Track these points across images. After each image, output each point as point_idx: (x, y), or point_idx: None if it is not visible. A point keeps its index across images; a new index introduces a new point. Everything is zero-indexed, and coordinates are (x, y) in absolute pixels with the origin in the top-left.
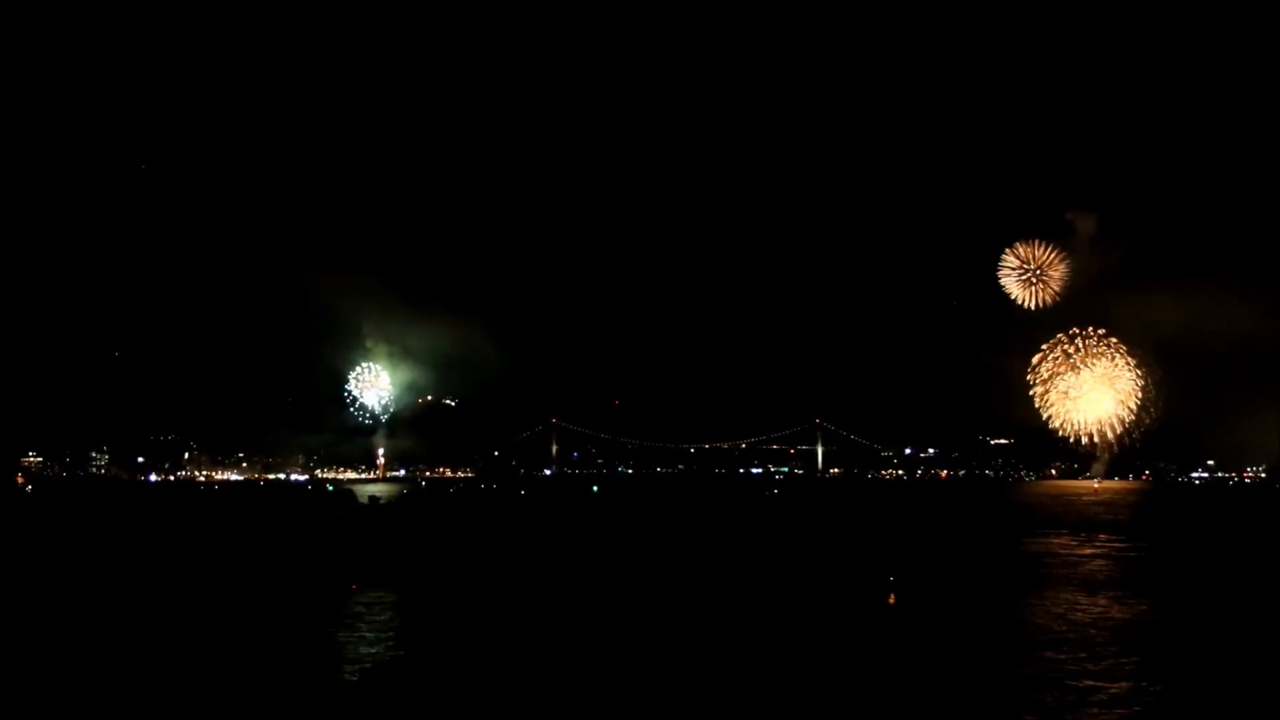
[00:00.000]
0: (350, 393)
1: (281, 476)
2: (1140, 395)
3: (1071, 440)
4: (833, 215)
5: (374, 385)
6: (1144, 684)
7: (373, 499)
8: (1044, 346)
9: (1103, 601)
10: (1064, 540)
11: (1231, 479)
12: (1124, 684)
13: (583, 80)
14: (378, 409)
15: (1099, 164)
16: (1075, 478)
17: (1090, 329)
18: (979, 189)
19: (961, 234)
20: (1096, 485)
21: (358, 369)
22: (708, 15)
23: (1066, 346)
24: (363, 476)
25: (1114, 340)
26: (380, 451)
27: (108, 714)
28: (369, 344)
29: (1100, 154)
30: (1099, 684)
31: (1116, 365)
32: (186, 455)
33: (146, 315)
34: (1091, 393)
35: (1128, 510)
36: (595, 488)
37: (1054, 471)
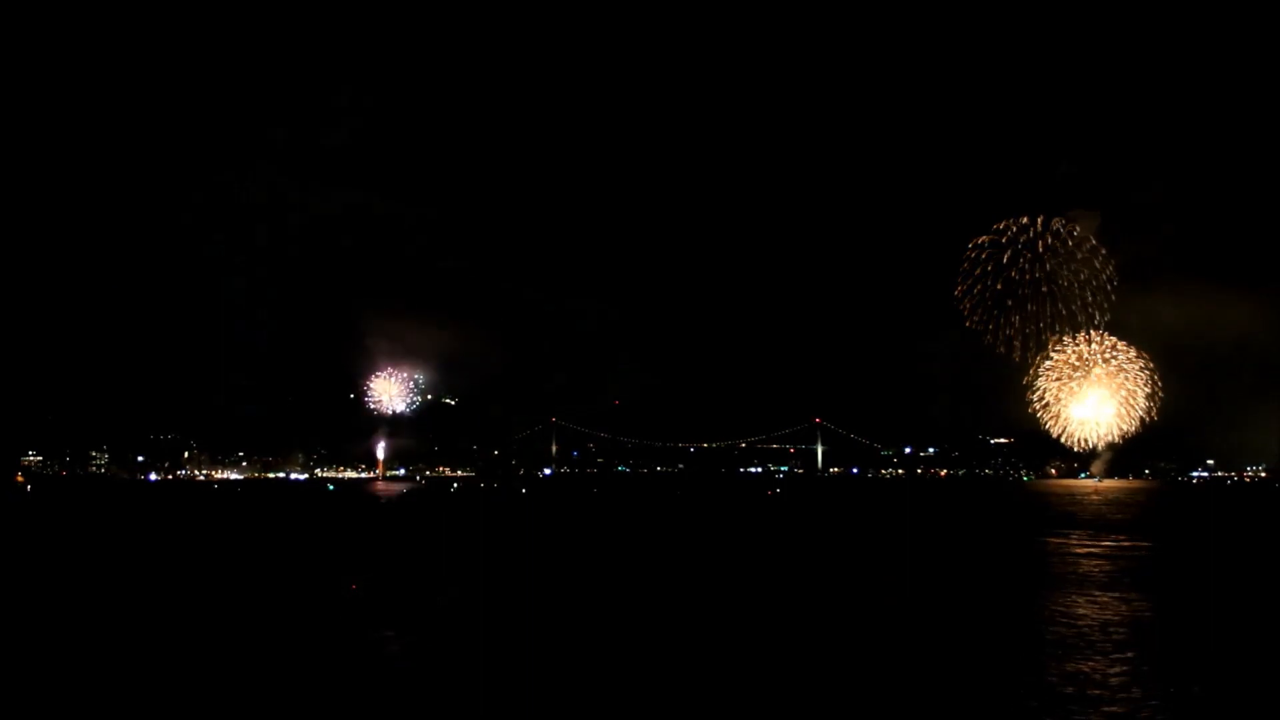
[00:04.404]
0: (368, 392)
1: (281, 475)
2: (1141, 396)
3: (1071, 442)
4: (833, 217)
5: (398, 388)
6: (1156, 685)
7: (372, 497)
8: (1045, 347)
9: (1115, 601)
10: (1076, 539)
11: (1231, 479)
12: (1136, 685)
13: (583, 84)
14: (395, 410)
15: (1101, 162)
16: (1074, 477)
17: (1092, 328)
18: (980, 188)
19: (962, 234)
20: (1097, 484)
21: (377, 369)
22: (708, 18)
23: (1067, 346)
24: (362, 475)
25: (1115, 340)
26: (380, 450)
27: (113, 713)
28: (369, 343)
29: (1103, 152)
30: (1107, 685)
31: (1117, 365)
32: (186, 455)
33: (148, 315)
34: (1092, 394)
35: (1137, 509)
36: (595, 488)
37: (1053, 470)
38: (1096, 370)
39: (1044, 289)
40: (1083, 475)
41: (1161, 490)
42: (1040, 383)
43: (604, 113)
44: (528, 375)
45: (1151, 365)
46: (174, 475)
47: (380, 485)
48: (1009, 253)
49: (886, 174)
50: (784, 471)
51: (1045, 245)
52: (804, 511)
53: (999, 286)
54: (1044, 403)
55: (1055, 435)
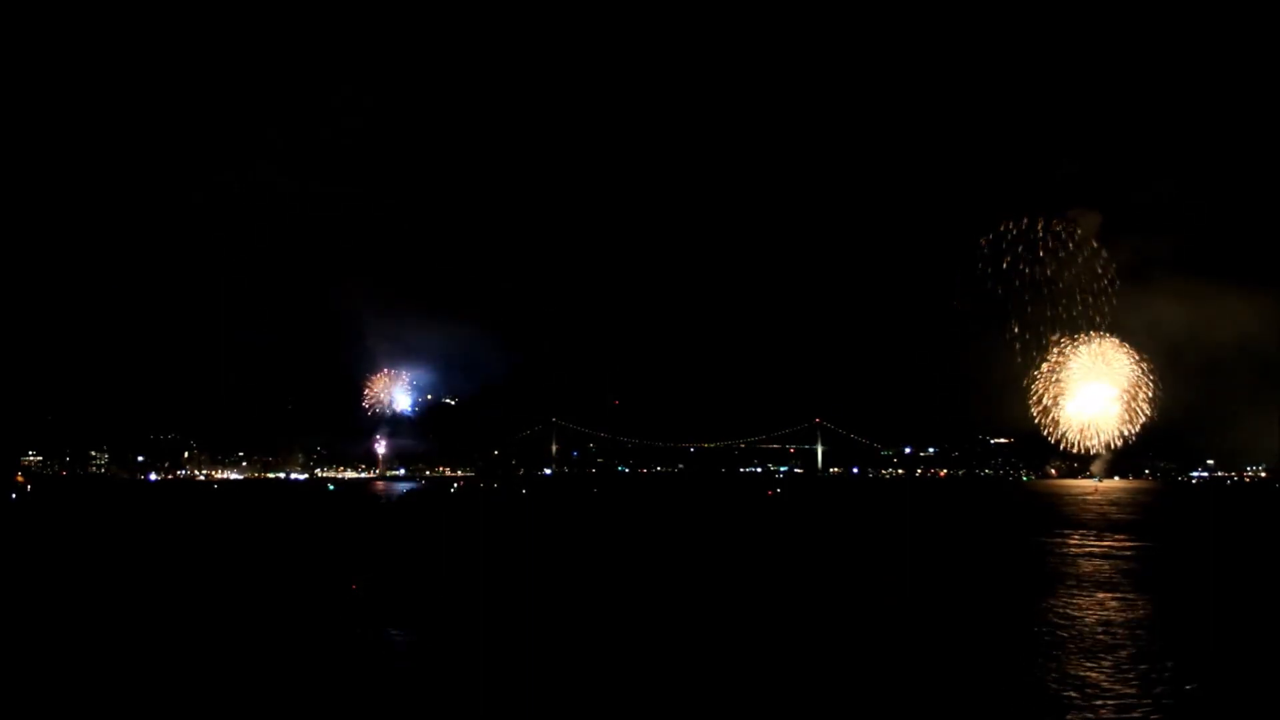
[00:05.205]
0: (368, 392)
1: (281, 475)
2: (1141, 397)
3: (1071, 442)
4: (833, 216)
5: (398, 387)
6: (1155, 685)
7: (373, 497)
8: (1045, 348)
9: (1114, 601)
10: (1076, 539)
11: (1231, 479)
12: (1134, 685)
13: (583, 85)
14: (395, 410)
15: (1102, 162)
16: (1074, 477)
17: (1093, 330)
18: (981, 188)
19: (963, 233)
20: (1097, 485)
21: (378, 369)
22: (708, 18)
23: (1067, 347)
24: (362, 475)
25: (1115, 339)
26: (380, 450)
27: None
28: (369, 343)
29: (1104, 152)
30: (1106, 685)
31: (1117, 366)
32: (186, 455)
33: (148, 315)
34: (1092, 395)
35: (1137, 509)
36: (595, 488)
37: (1053, 471)
38: (1096, 371)
39: (1044, 290)
40: (1083, 476)
41: (1162, 490)
42: (1040, 384)
43: (604, 112)
44: (528, 375)
45: (1151, 366)
46: (174, 475)
47: (380, 485)
48: (1009, 254)
49: (887, 174)
50: (784, 471)
51: (1045, 247)
52: (804, 511)
53: (999, 288)
54: (1044, 404)
55: (1055, 436)
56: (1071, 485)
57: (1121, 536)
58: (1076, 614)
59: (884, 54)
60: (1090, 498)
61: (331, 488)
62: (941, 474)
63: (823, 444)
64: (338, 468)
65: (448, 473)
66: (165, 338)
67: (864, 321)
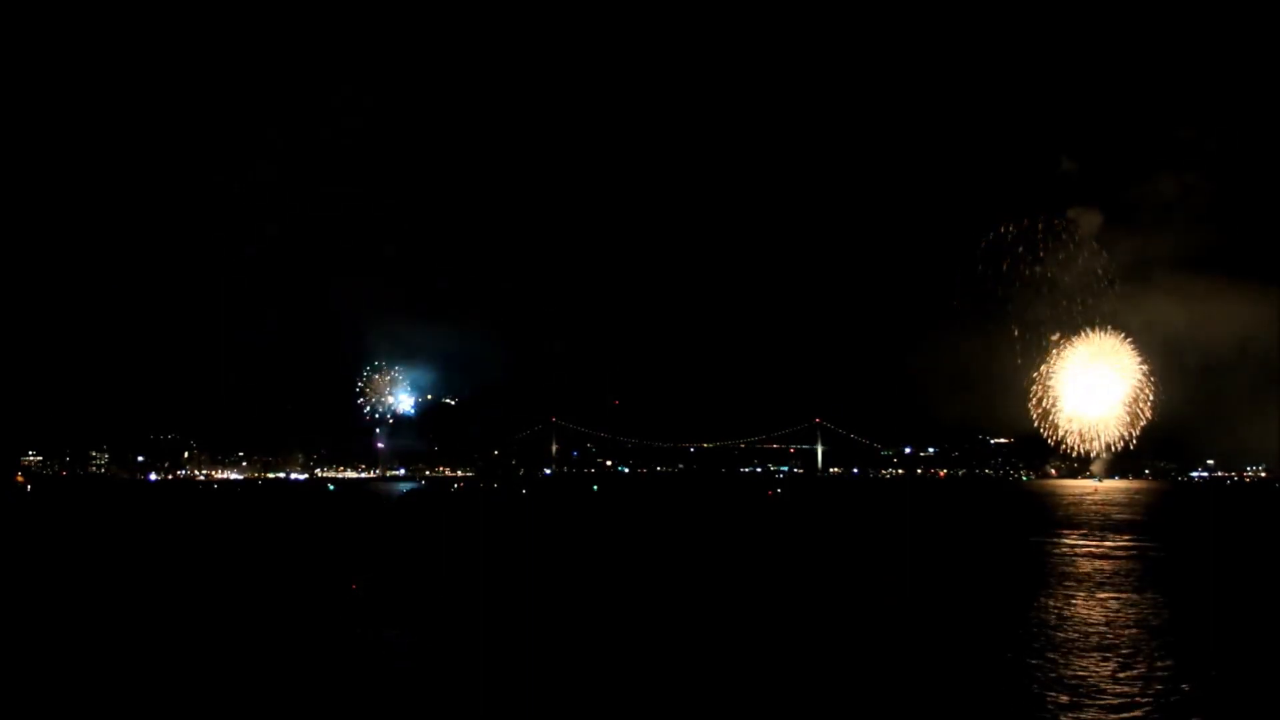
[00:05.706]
0: (368, 392)
1: (281, 475)
2: (1140, 397)
3: (1071, 442)
4: (833, 216)
5: (398, 388)
6: (1154, 685)
7: (373, 497)
8: (1045, 348)
9: (1113, 601)
10: (1075, 539)
11: (1231, 479)
12: (1133, 685)
13: (583, 85)
14: (395, 410)
15: (1102, 160)
16: (1074, 477)
17: (1093, 328)
18: (981, 188)
19: (963, 233)
20: (1097, 485)
21: (377, 369)
22: (708, 18)
23: (1067, 347)
24: (362, 475)
25: (1116, 339)
26: (380, 450)
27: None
28: (369, 343)
29: (1104, 150)
30: (1105, 685)
31: (1117, 366)
32: (186, 455)
33: (148, 315)
34: (1092, 395)
35: (1137, 509)
36: (595, 487)
37: (1053, 471)
38: (1096, 371)
39: (1044, 290)
40: (1084, 476)
41: (1162, 490)
42: (1040, 384)
43: (604, 112)
44: (528, 375)
45: (1151, 366)
46: (174, 475)
47: (380, 485)
48: (1009, 254)
49: (887, 174)
50: (784, 471)
51: (1046, 247)
52: (804, 511)
53: (999, 288)
54: (1044, 404)
55: (1055, 436)
56: (1072, 485)
57: (1121, 536)
58: (1076, 614)
59: (883, 54)
60: (1090, 498)
61: (331, 488)
62: (941, 474)
63: (823, 444)
64: (338, 468)
65: (448, 473)
66: (165, 338)
67: (864, 321)
